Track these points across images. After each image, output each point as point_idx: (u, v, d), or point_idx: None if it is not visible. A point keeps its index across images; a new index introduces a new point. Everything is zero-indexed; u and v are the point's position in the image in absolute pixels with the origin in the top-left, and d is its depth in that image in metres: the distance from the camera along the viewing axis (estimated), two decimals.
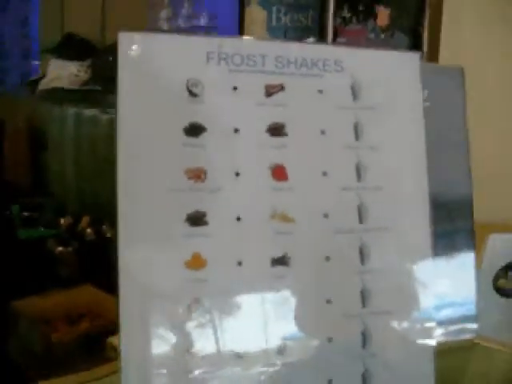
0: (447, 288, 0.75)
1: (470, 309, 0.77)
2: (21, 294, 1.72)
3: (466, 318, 0.77)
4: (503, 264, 1.07)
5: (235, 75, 0.50)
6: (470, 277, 0.77)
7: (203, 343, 0.47)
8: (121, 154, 0.46)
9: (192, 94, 0.49)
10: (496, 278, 1.07)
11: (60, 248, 1.95)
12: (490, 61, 1.25)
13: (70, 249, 1.95)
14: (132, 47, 0.48)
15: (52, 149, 2.44)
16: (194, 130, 0.48)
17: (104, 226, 1.95)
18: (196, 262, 0.47)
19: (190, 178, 0.47)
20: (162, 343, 0.47)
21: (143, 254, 0.47)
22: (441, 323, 0.73)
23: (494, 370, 0.73)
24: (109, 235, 1.90)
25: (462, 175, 0.78)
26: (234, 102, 0.50)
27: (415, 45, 1.43)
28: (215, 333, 0.48)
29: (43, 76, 2.68)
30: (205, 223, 0.48)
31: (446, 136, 0.77)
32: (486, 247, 1.04)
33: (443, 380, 0.55)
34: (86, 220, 2.02)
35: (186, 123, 0.48)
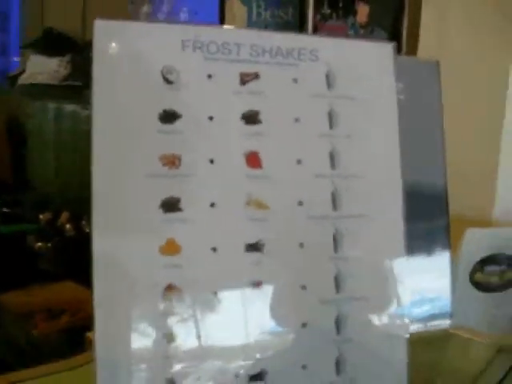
0: (421, 278, 0.76)
1: (445, 298, 0.78)
2: (1, 288, 1.71)
3: (440, 308, 0.78)
4: (480, 258, 1.08)
5: (210, 63, 0.50)
6: (444, 268, 0.78)
7: (179, 330, 0.48)
8: (96, 141, 0.47)
9: (167, 81, 0.49)
10: (473, 272, 1.08)
11: (40, 243, 1.95)
12: (468, 57, 1.27)
13: (49, 244, 1.94)
14: (108, 35, 0.48)
15: (32, 144, 2.43)
16: (169, 117, 0.48)
17: (83, 222, 1.94)
18: (171, 248, 0.47)
19: (164, 165, 0.48)
20: (138, 332, 0.47)
21: (118, 240, 0.47)
22: (415, 313, 0.74)
23: (469, 360, 0.75)
24: (88, 230, 1.90)
25: (437, 167, 0.79)
26: (209, 89, 0.50)
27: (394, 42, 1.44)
28: (191, 320, 0.48)
29: (23, 71, 2.66)
30: (179, 209, 0.48)
31: (421, 129, 0.78)
32: (463, 241, 1.05)
33: (419, 369, 0.56)
34: (65, 215, 2.01)
35: (160, 110, 0.48)
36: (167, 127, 0.48)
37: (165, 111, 0.48)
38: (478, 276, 1.08)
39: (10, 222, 2.12)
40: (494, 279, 1.09)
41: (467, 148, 1.22)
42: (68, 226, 1.99)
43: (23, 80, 2.59)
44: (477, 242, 1.07)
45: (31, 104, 2.46)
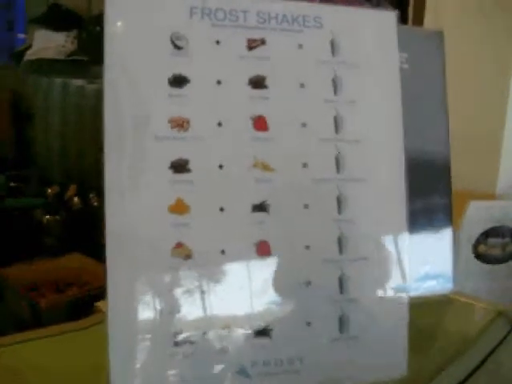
0: (423, 244, 0.77)
1: (447, 264, 0.79)
2: (9, 262, 1.73)
3: (442, 274, 0.80)
4: (482, 230, 1.10)
5: (218, 30, 0.52)
6: (446, 234, 0.79)
7: (187, 286, 0.49)
8: (108, 104, 0.48)
9: (177, 47, 0.50)
10: (476, 245, 1.10)
11: (47, 217, 1.96)
12: (472, 27, 1.27)
13: (57, 217, 1.96)
14: (118, 3, 0.50)
15: (38, 119, 2.44)
16: (179, 82, 0.50)
17: (91, 195, 1.96)
18: (179, 207, 0.49)
19: (173, 127, 0.49)
20: (148, 286, 0.49)
21: (128, 200, 0.49)
22: (416, 277, 0.76)
23: (469, 324, 0.76)
24: (96, 204, 1.92)
25: (441, 138, 0.80)
26: (217, 55, 0.51)
27: (400, 14, 1.44)
28: (199, 277, 0.50)
29: (29, 47, 2.66)
30: (188, 170, 0.50)
31: (425, 100, 0.80)
32: (466, 214, 1.06)
33: (419, 332, 0.58)
34: (73, 189, 2.03)
35: (170, 75, 0.50)
36: (177, 91, 0.50)
37: (174, 76, 0.50)
38: (481, 248, 1.10)
39: (17, 196, 2.13)
40: (497, 251, 1.10)
41: (471, 121, 1.23)
42: (76, 199, 2.00)
43: (29, 56, 2.59)
44: (480, 215, 1.09)
45: (37, 79, 2.46)
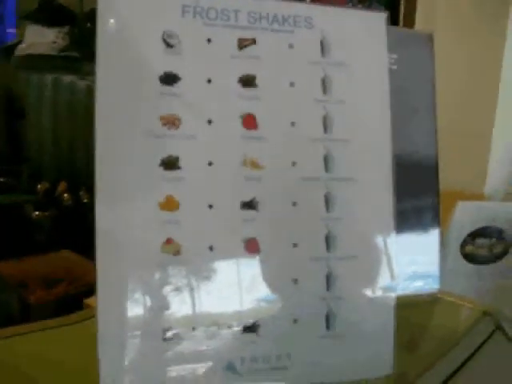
0: (410, 244, 0.78)
1: (434, 263, 0.80)
2: None
3: (428, 275, 0.81)
4: (470, 231, 1.10)
5: (210, 28, 0.52)
6: (434, 233, 0.80)
7: (175, 282, 0.50)
8: (99, 101, 0.49)
9: (168, 45, 0.51)
10: (463, 245, 1.11)
11: (37, 213, 1.96)
12: (462, 31, 1.28)
13: (47, 214, 1.96)
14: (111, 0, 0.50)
15: (29, 115, 2.43)
16: (170, 79, 0.50)
17: (81, 192, 1.96)
18: (169, 204, 0.50)
19: (164, 125, 0.50)
20: (138, 282, 0.49)
21: (119, 197, 0.49)
22: (403, 276, 0.77)
23: (455, 323, 0.77)
24: (86, 200, 1.92)
25: (429, 139, 0.81)
26: (208, 53, 0.52)
27: (391, 17, 1.45)
28: (187, 272, 0.50)
29: (19, 42, 2.65)
30: (178, 167, 0.50)
31: (413, 101, 0.80)
32: (455, 214, 1.07)
33: (406, 331, 0.59)
34: (63, 185, 2.02)
35: (161, 72, 0.50)
36: (168, 89, 0.50)
37: (165, 73, 0.50)
38: (469, 248, 1.11)
39: (6, 192, 2.13)
40: (484, 251, 1.11)
41: (459, 122, 1.24)
42: (66, 195, 2.00)
43: (20, 51, 2.58)
44: (468, 215, 1.10)
45: (28, 75, 2.45)
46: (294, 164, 0.53)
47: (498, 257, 1.14)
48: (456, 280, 1.10)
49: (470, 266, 1.13)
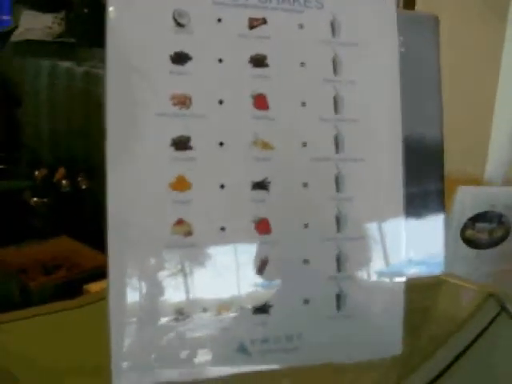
0: (415, 228, 0.78)
1: (438, 248, 0.80)
2: None
3: (433, 258, 0.81)
4: (471, 215, 1.11)
5: (220, 8, 0.52)
6: (438, 220, 0.80)
7: (187, 261, 0.50)
8: (109, 81, 0.48)
9: (179, 24, 0.50)
10: (464, 230, 1.11)
11: (35, 199, 1.96)
12: (466, 14, 1.28)
13: (45, 200, 1.95)
14: None
15: (25, 101, 2.42)
16: (180, 59, 0.50)
17: (80, 178, 1.95)
18: (180, 184, 0.49)
19: (175, 104, 0.50)
20: (150, 263, 0.49)
21: (130, 177, 0.49)
22: (410, 257, 0.77)
23: (460, 305, 0.78)
24: (84, 186, 1.91)
25: (435, 122, 0.81)
26: (219, 33, 0.51)
27: None
28: (198, 252, 0.50)
29: (15, 28, 2.63)
30: (189, 148, 0.50)
31: (420, 82, 0.80)
32: (455, 199, 1.08)
33: (411, 314, 0.59)
34: (61, 171, 2.02)
35: (172, 52, 0.50)
36: (178, 68, 0.50)
37: (176, 53, 0.50)
38: (469, 233, 1.11)
39: (4, 178, 2.12)
40: (484, 236, 1.12)
41: (461, 107, 1.24)
42: (64, 182, 2.00)
43: (16, 37, 2.57)
44: (468, 200, 1.10)
45: (25, 61, 2.44)
46: (304, 144, 0.53)
47: (498, 241, 1.14)
48: (456, 264, 1.11)
49: (471, 250, 1.13)
